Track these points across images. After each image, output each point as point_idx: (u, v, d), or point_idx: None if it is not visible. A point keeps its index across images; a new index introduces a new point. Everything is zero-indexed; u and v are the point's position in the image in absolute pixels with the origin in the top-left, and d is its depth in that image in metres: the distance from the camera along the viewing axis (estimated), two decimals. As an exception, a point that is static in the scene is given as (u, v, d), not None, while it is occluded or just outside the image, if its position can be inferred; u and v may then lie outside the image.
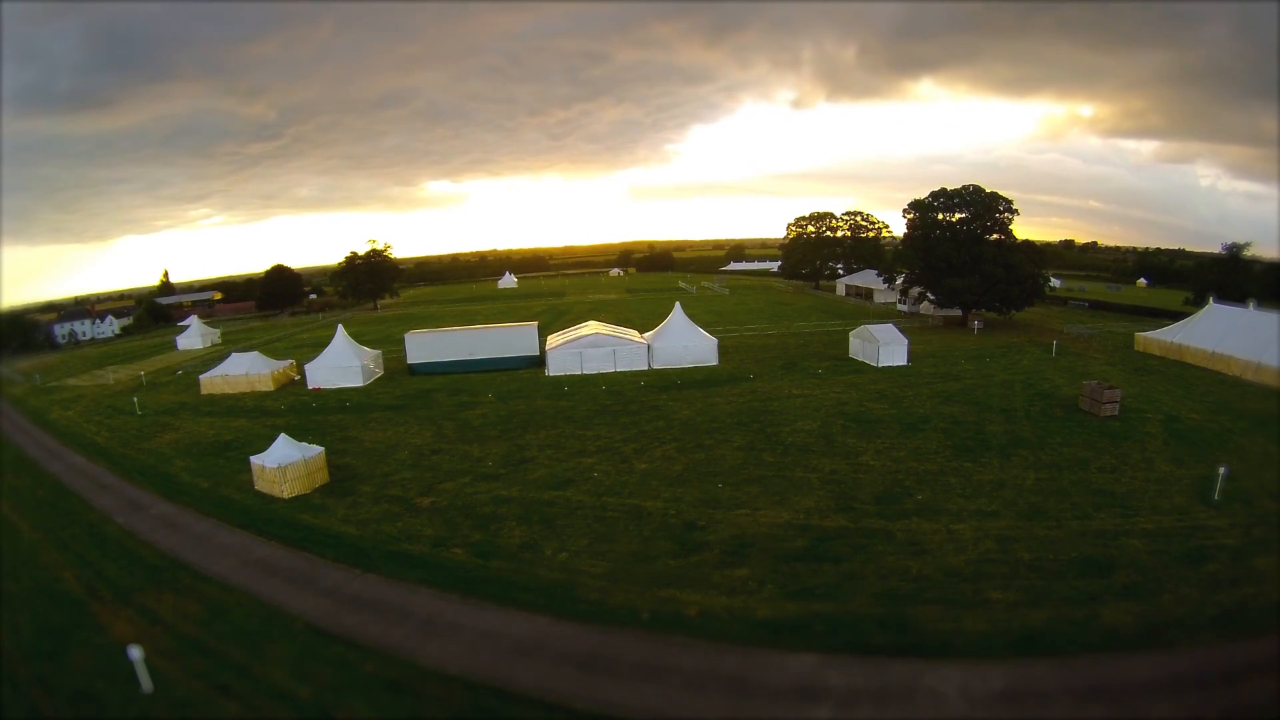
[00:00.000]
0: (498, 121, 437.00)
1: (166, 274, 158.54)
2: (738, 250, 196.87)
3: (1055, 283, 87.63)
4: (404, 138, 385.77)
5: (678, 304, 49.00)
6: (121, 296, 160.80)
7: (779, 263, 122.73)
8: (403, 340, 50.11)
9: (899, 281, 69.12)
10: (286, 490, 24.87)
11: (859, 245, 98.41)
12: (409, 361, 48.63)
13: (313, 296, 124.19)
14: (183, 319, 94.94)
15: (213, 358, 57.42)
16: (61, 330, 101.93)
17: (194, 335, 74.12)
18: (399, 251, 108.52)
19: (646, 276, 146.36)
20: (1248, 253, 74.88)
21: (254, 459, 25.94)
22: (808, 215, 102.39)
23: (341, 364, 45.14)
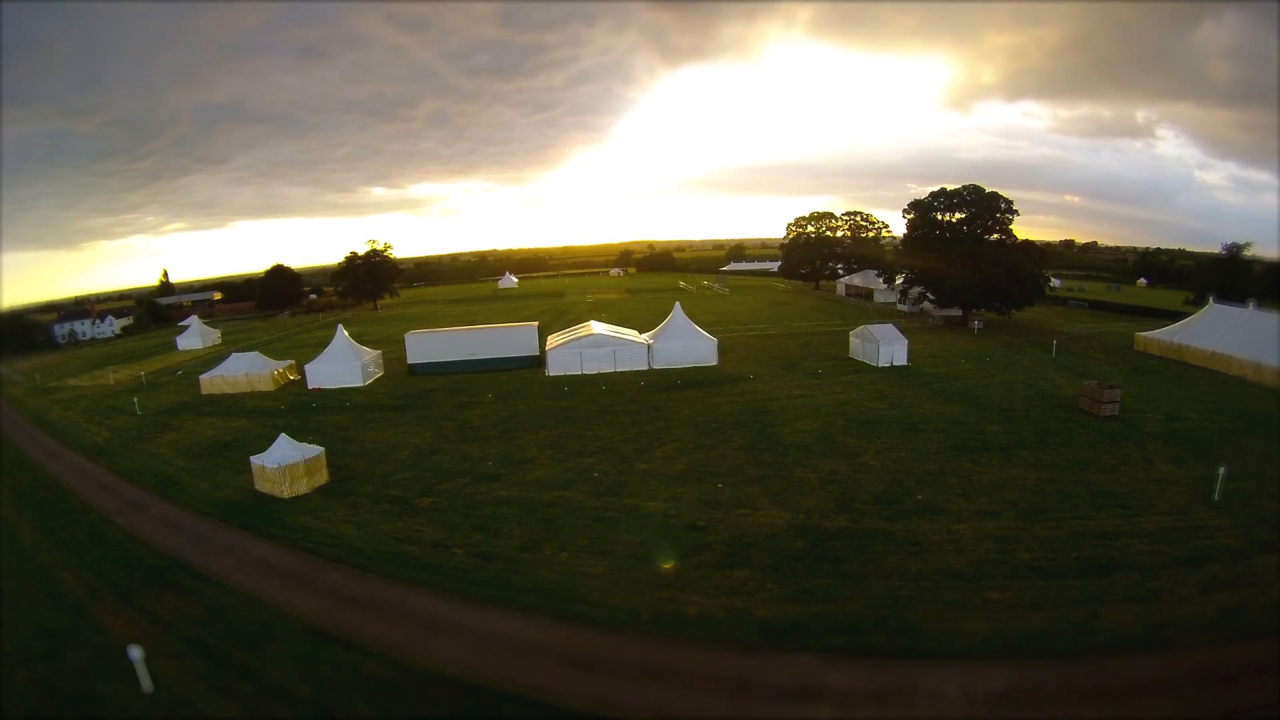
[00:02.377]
0: (370, 126, 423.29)
1: (166, 274, 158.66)
2: (738, 250, 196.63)
3: (1055, 283, 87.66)
4: (286, 151, 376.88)
5: (678, 304, 48.99)
6: (121, 296, 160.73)
7: (779, 263, 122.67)
8: (403, 340, 50.11)
9: (899, 281, 69.15)
10: (287, 490, 24.87)
11: (859, 245, 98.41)
12: (409, 361, 48.62)
13: (313, 297, 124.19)
14: (183, 319, 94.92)
15: (213, 358, 57.41)
16: (61, 330, 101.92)
17: (194, 335, 74.12)
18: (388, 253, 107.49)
19: (646, 276, 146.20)
20: (1248, 253, 75.02)
21: (254, 459, 25.92)
22: (808, 215, 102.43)
23: (341, 364, 45.13)
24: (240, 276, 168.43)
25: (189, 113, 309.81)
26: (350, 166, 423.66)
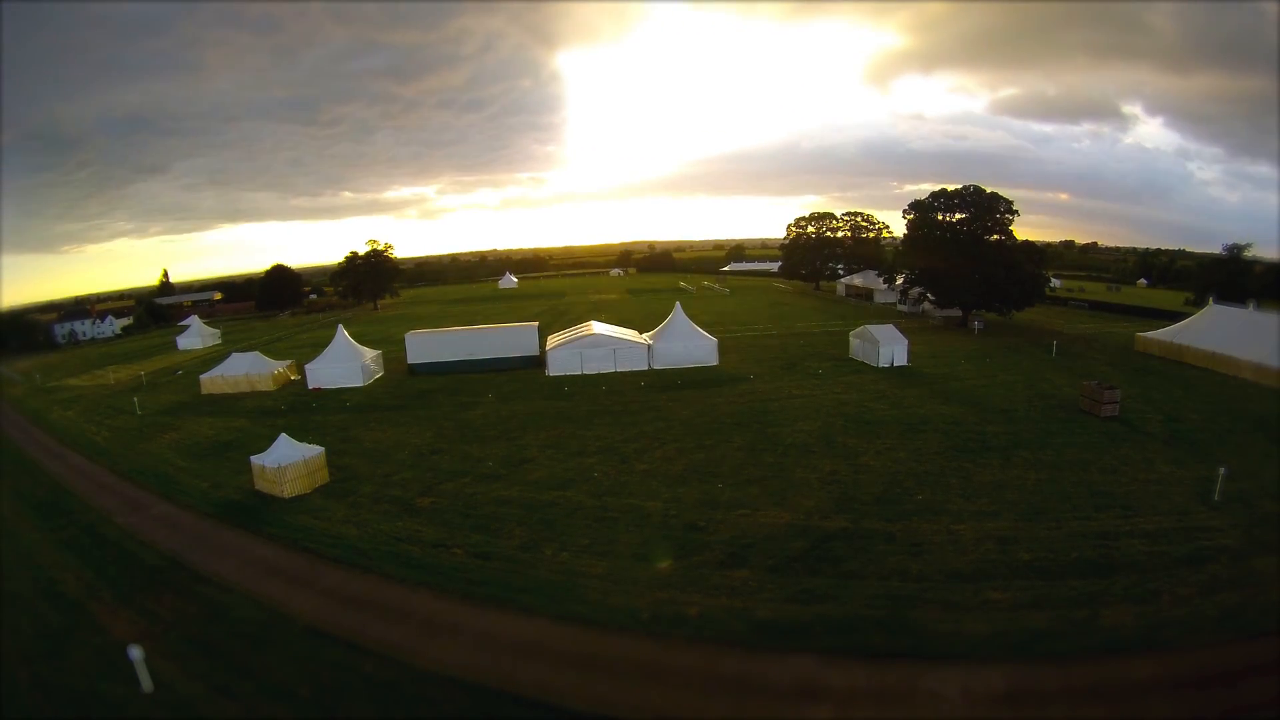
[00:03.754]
0: (293, 133, 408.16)
1: (166, 273, 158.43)
2: (738, 250, 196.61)
3: (1055, 283, 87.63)
4: (227, 158, 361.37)
5: (678, 304, 48.99)
6: (121, 296, 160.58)
7: (779, 263, 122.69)
8: (403, 340, 50.12)
9: (899, 282, 69.19)
10: (287, 490, 24.86)
11: (859, 246, 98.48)
12: (409, 361, 48.63)
13: (313, 297, 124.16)
14: (183, 319, 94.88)
15: (213, 358, 57.41)
16: (61, 330, 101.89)
17: (194, 335, 74.13)
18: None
19: (647, 277, 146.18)
20: (1248, 253, 75.08)
21: (254, 459, 25.92)
22: (808, 216, 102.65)
23: (342, 364, 45.14)
24: (240, 276, 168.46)
25: (95, 127, 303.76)
26: (302, 171, 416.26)
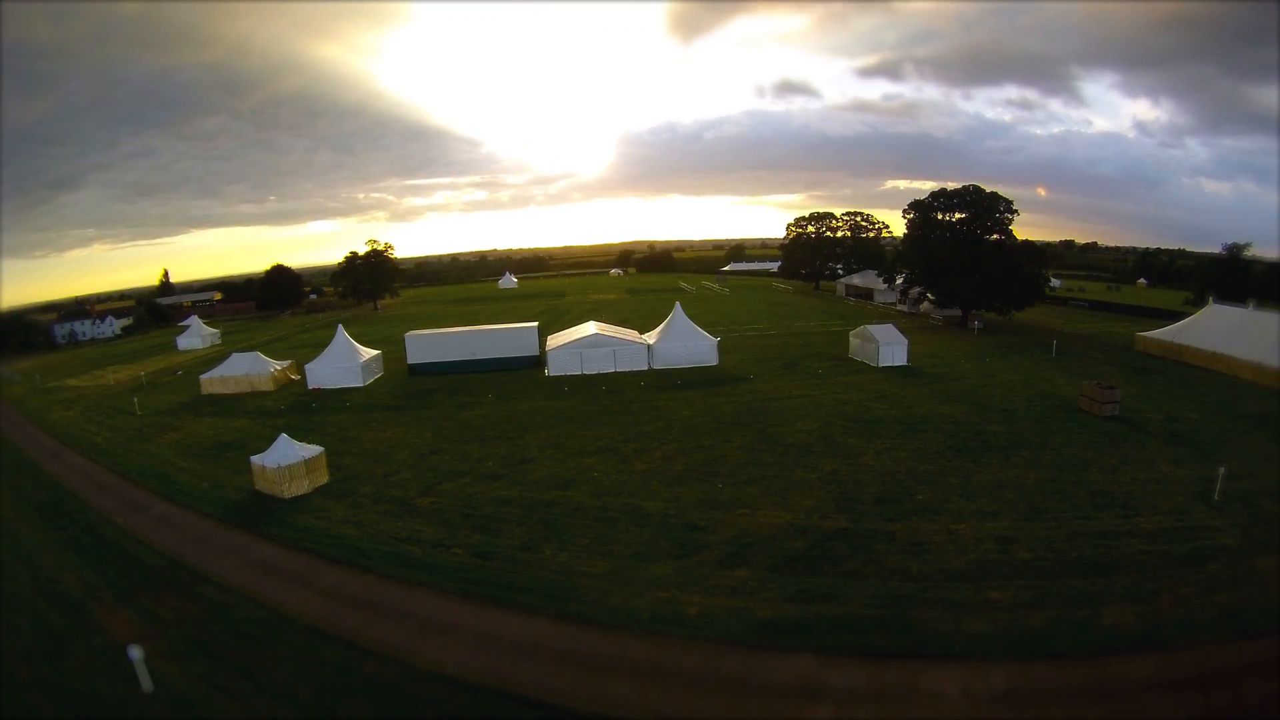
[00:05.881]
0: (189, 146, 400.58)
1: (166, 274, 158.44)
2: (738, 250, 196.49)
3: (1055, 283, 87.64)
4: (140, 169, 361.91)
5: (678, 304, 48.98)
6: (121, 296, 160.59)
7: (779, 263, 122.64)
8: (403, 340, 50.12)
9: (899, 281, 69.20)
10: (287, 490, 24.86)
11: (859, 245, 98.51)
12: (409, 361, 48.62)
13: (313, 297, 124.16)
14: (183, 319, 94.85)
15: (213, 358, 57.42)
16: (61, 330, 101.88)
17: (194, 335, 74.11)
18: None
19: (647, 277, 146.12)
20: (1248, 253, 75.09)
21: (254, 459, 25.92)
22: (808, 216, 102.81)
23: (341, 364, 45.14)
24: (240, 276, 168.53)
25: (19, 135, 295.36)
26: (227, 179, 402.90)
